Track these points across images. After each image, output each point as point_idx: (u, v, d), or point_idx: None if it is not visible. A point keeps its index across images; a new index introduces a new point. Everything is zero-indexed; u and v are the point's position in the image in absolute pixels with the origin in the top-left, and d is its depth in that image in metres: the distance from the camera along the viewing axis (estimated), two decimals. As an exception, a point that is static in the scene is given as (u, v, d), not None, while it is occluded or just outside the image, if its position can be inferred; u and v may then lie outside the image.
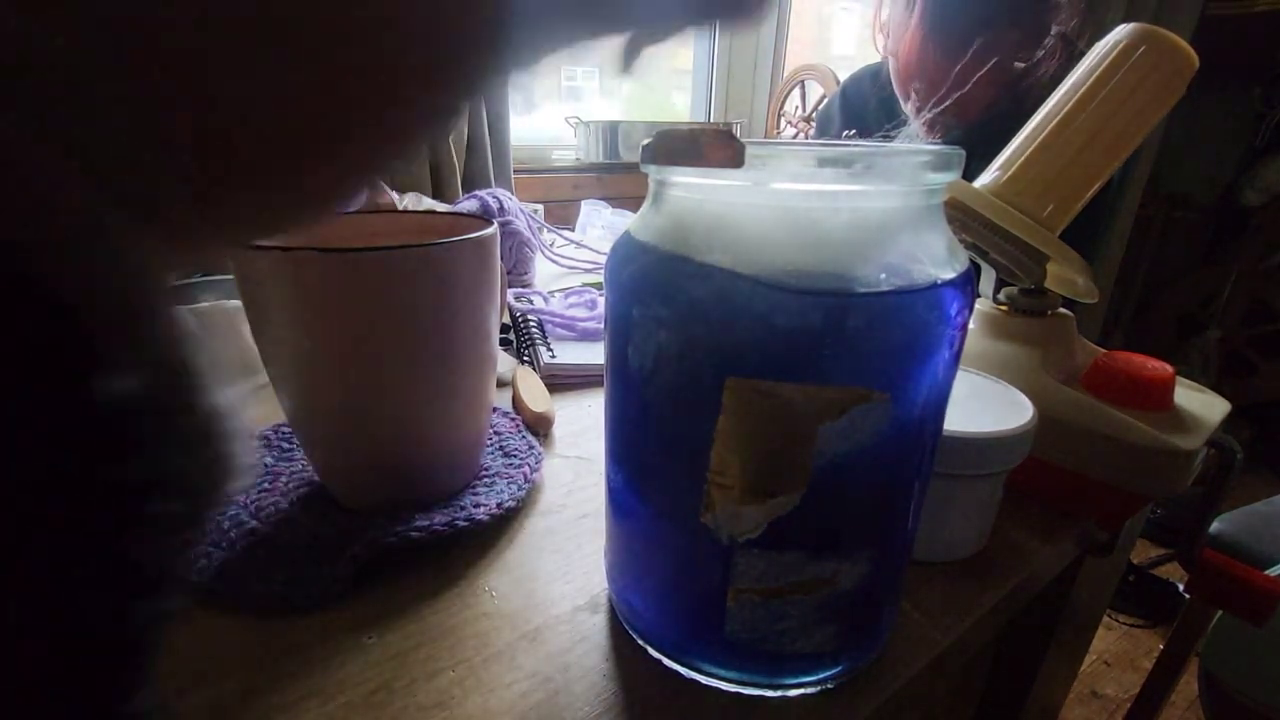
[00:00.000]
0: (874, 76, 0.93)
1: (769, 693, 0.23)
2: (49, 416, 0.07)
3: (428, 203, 0.88)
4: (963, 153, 0.19)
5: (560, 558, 0.31)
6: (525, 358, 0.53)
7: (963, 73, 0.78)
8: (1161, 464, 0.32)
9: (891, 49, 0.86)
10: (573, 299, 0.64)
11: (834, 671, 0.23)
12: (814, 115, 1.65)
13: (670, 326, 0.19)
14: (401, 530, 0.29)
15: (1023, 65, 0.80)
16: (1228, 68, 1.69)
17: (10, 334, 0.07)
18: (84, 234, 0.08)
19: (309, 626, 0.26)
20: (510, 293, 0.63)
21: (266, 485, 0.33)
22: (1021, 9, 0.77)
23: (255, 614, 0.26)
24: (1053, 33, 0.78)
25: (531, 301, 0.63)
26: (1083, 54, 0.37)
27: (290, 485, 0.33)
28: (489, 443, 0.38)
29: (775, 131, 1.72)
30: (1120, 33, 0.35)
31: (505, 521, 0.33)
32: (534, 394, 0.44)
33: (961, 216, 0.36)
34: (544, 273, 0.80)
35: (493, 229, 0.30)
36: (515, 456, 0.36)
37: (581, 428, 0.43)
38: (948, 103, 0.79)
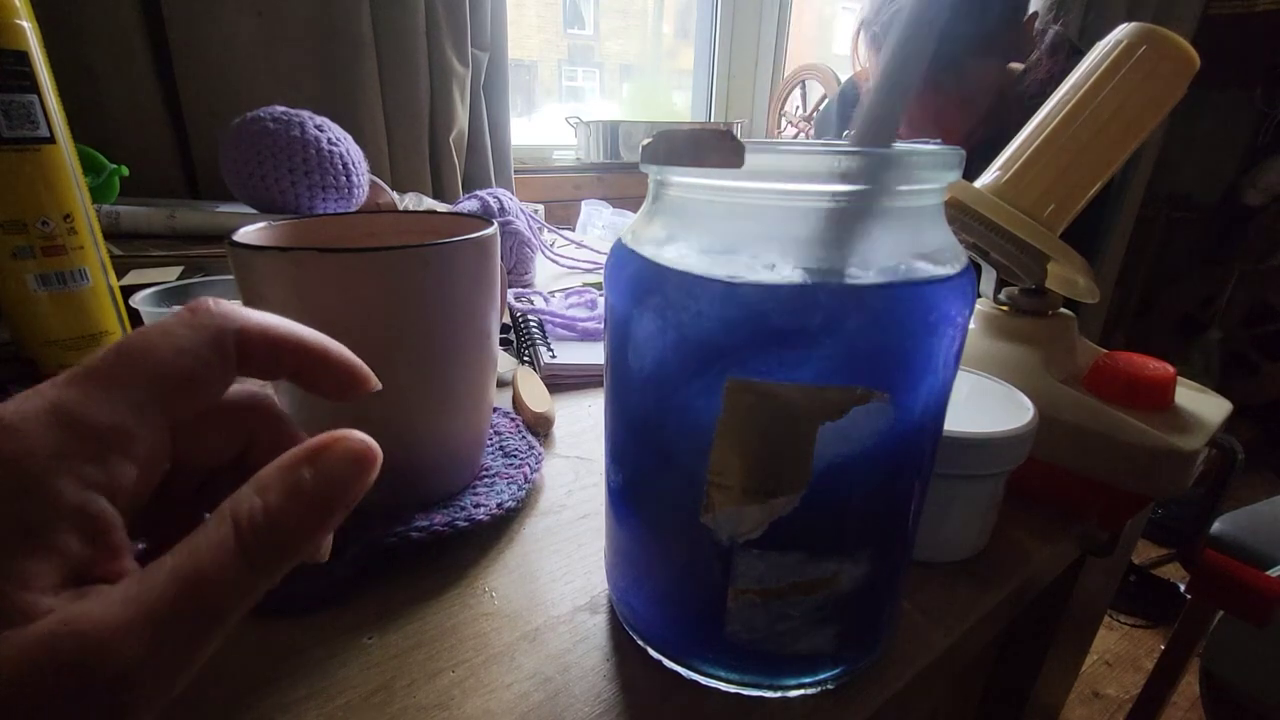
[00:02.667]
0: None
1: (769, 693, 0.23)
2: None
3: (428, 203, 0.89)
4: (963, 152, 0.19)
5: (560, 558, 0.31)
6: (525, 358, 0.53)
7: (937, 110, 0.78)
8: (1163, 464, 0.32)
9: (860, 79, 0.86)
10: (573, 299, 0.64)
11: (834, 672, 0.23)
12: (814, 115, 1.65)
13: (669, 327, 0.19)
14: (401, 530, 0.29)
15: (1014, 72, 0.79)
16: (1229, 67, 1.69)
17: None
18: None
19: (308, 627, 0.26)
20: (510, 293, 0.63)
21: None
22: (995, 39, 0.76)
23: (254, 614, 0.26)
24: (1049, 35, 0.77)
25: (532, 301, 0.63)
26: (1081, 53, 0.37)
27: (290, 485, 0.33)
28: (489, 443, 0.38)
29: (776, 131, 1.72)
30: (1121, 32, 0.35)
31: (505, 522, 0.33)
32: (534, 394, 0.44)
33: (962, 216, 0.36)
34: (544, 273, 0.80)
35: (493, 229, 0.30)
36: (515, 457, 0.36)
37: (582, 428, 0.43)
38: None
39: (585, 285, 0.69)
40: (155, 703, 0.11)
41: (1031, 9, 0.77)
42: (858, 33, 0.82)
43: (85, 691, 0.10)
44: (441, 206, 0.90)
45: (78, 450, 0.12)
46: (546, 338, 0.55)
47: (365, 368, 0.16)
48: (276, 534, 0.12)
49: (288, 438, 0.17)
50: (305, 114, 0.64)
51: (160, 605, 0.11)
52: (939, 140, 0.21)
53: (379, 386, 0.16)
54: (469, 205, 0.70)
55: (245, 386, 0.17)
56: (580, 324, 0.57)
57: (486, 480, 0.34)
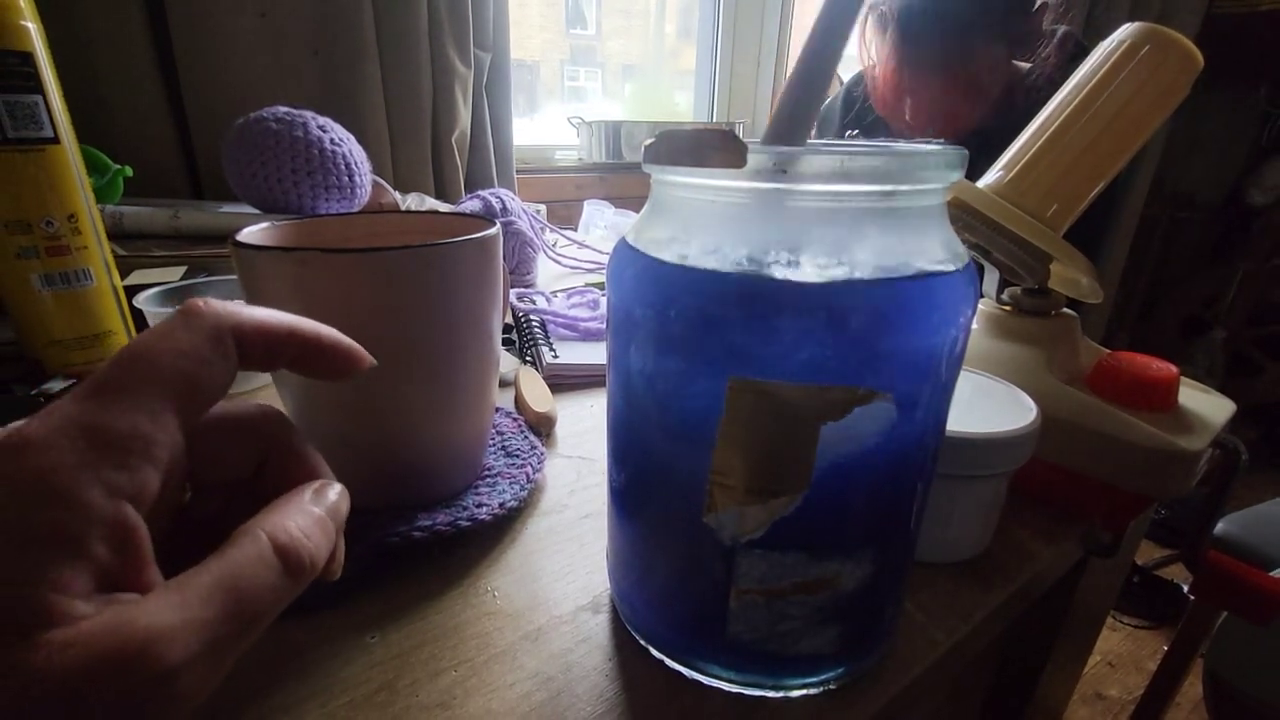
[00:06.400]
0: None
1: (771, 694, 0.23)
2: None
3: (430, 203, 0.89)
4: (966, 153, 0.19)
5: (562, 558, 0.31)
6: (528, 358, 0.53)
7: (944, 93, 0.78)
8: (1166, 465, 0.32)
9: (868, 69, 0.86)
10: (575, 299, 0.64)
11: (836, 673, 0.23)
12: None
13: (672, 326, 0.19)
14: (404, 530, 0.29)
15: (1021, 69, 0.79)
16: (1233, 67, 1.69)
17: None
18: None
19: (311, 626, 0.26)
20: (513, 293, 0.63)
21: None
22: (1005, 23, 0.76)
23: (258, 613, 0.26)
24: (1058, 33, 0.77)
25: (534, 301, 0.63)
26: (1088, 52, 0.37)
27: (293, 485, 0.33)
28: (491, 443, 0.38)
29: (778, 131, 1.72)
30: (1125, 32, 0.35)
31: (507, 521, 0.33)
32: (536, 394, 0.44)
33: (965, 216, 0.36)
34: (546, 273, 0.80)
35: (495, 229, 0.30)
36: (518, 456, 0.36)
37: (584, 428, 0.43)
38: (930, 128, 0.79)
39: (587, 285, 0.69)
40: (195, 700, 0.12)
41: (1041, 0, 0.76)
42: (864, 18, 0.81)
43: (133, 689, 0.11)
44: (444, 207, 0.91)
45: (102, 459, 0.12)
46: (549, 337, 0.55)
47: (358, 347, 0.17)
48: (306, 545, 0.14)
49: (298, 449, 0.17)
50: (308, 114, 0.64)
51: (207, 611, 0.12)
52: (942, 138, 0.21)
53: (373, 363, 0.17)
54: (471, 205, 0.70)
55: (256, 402, 0.17)
56: (582, 324, 0.57)
57: (489, 480, 0.34)
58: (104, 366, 0.13)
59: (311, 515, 0.15)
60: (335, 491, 0.16)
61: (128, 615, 0.11)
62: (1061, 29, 0.78)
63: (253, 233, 0.29)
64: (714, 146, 0.17)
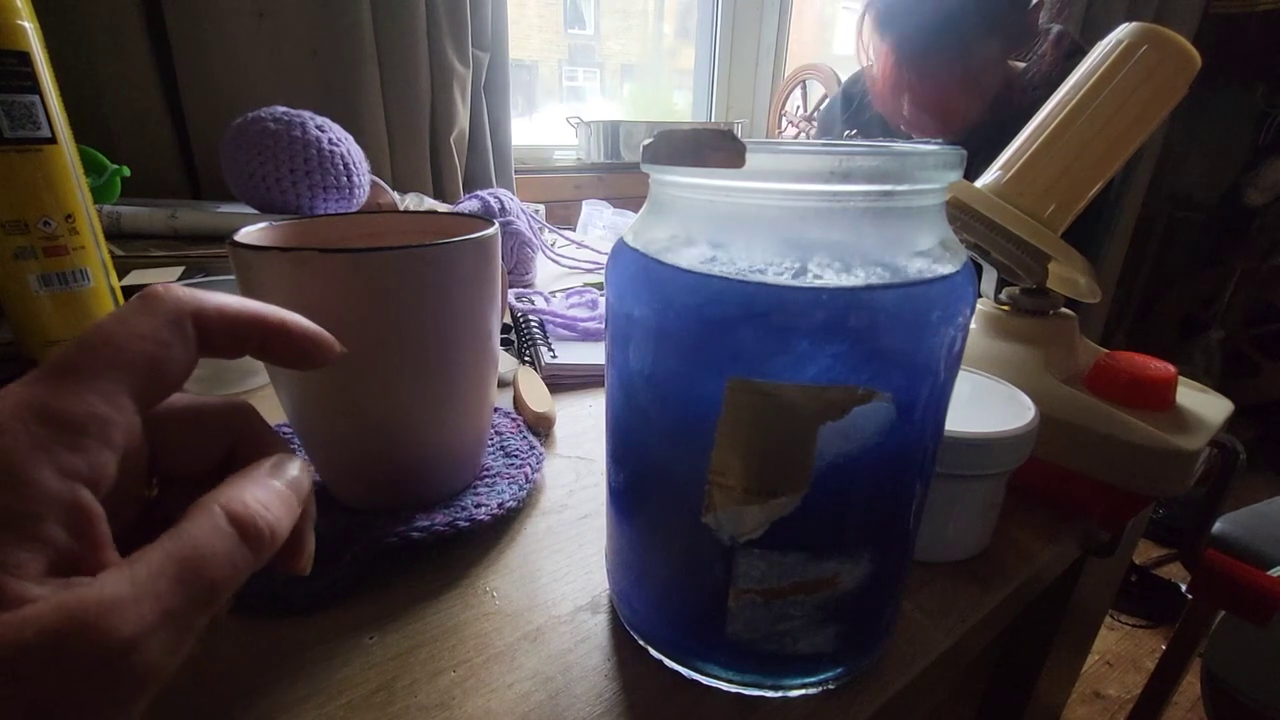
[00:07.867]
0: None
1: (770, 693, 0.23)
2: None
3: (429, 203, 0.89)
4: (964, 153, 0.19)
5: (561, 558, 0.31)
6: (526, 358, 0.53)
7: (941, 88, 0.78)
8: (1164, 464, 0.32)
9: (867, 68, 0.86)
10: (574, 299, 0.64)
11: (835, 672, 0.23)
12: (815, 115, 1.65)
13: (670, 326, 0.19)
14: (403, 530, 0.29)
15: (1017, 68, 0.79)
16: (1230, 67, 1.69)
17: None
18: None
19: (309, 626, 0.26)
20: (511, 293, 0.63)
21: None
22: (998, 19, 0.76)
23: (255, 614, 0.26)
24: (1053, 31, 0.77)
25: (533, 302, 0.63)
26: (1084, 52, 0.37)
27: (292, 485, 0.33)
28: (490, 443, 0.38)
29: (777, 131, 1.72)
30: (1122, 32, 0.35)
31: (506, 522, 0.33)
32: (535, 394, 0.44)
33: (963, 216, 0.36)
34: (545, 273, 0.80)
35: (494, 229, 0.30)
36: (516, 457, 0.36)
37: (583, 428, 0.43)
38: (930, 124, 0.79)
39: (586, 285, 0.69)
40: (157, 676, 0.12)
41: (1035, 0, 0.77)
42: (863, 17, 0.82)
43: (89, 664, 0.11)
44: (442, 206, 0.91)
45: (56, 441, 0.12)
46: (547, 338, 0.55)
47: (327, 335, 0.17)
48: (264, 515, 0.14)
49: (266, 440, 0.17)
50: (306, 114, 0.64)
51: (160, 582, 0.12)
52: (940, 136, 0.21)
53: (343, 350, 0.17)
54: (470, 205, 0.70)
55: (224, 395, 0.17)
56: (581, 324, 0.57)
57: (487, 480, 0.34)
58: (60, 351, 0.13)
59: (270, 488, 0.15)
60: (295, 466, 0.16)
61: (79, 592, 0.11)
62: (1056, 27, 0.79)
63: (251, 233, 0.29)
64: (712, 146, 0.17)
